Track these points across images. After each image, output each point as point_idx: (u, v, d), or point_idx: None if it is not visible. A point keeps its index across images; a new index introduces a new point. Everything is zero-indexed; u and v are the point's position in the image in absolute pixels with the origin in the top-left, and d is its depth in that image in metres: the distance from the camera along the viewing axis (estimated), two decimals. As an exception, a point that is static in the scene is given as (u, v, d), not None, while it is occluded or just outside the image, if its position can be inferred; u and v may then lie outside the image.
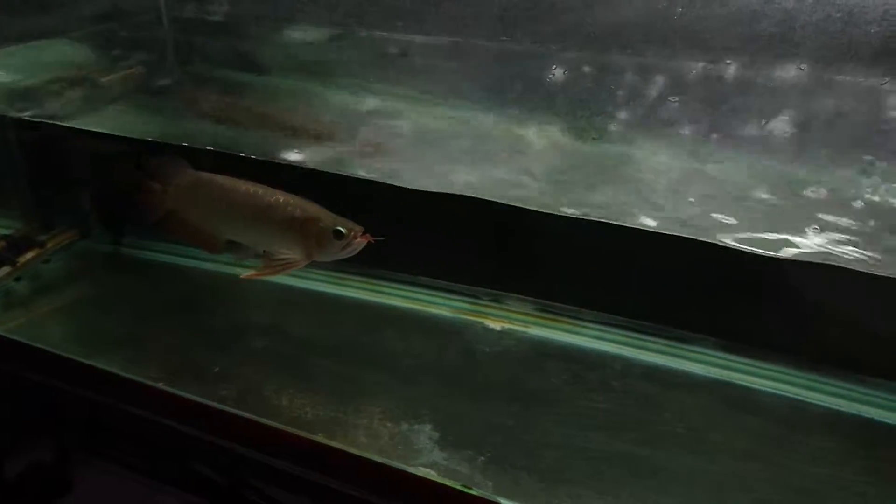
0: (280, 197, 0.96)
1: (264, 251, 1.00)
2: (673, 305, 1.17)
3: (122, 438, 1.63)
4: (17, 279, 1.25)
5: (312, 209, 0.95)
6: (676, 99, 0.84)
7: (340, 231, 0.92)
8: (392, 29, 1.25)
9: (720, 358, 1.14)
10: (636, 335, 1.17)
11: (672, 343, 1.16)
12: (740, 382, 1.09)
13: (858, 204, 0.85)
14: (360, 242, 0.93)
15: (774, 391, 1.07)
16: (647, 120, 0.88)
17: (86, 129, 1.13)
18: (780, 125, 0.82)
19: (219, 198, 0.99)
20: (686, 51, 0.78)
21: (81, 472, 2.18)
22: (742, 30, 0.73)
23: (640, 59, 0.81)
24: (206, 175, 1.01)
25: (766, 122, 0.82)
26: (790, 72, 0.76)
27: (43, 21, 1.38)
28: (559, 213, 0.91)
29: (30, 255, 1.26)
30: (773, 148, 0.86)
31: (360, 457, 0.93)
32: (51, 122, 1.13)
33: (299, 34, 1.37)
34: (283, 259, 0.96)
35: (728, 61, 0.77)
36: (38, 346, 1.14)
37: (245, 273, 0.99)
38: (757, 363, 1.12)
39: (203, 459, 1.28)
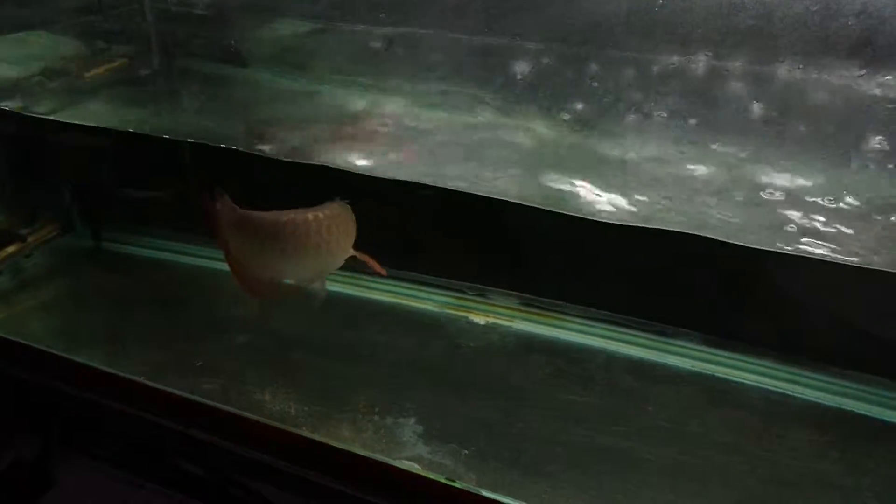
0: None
1: None
2: (656, 300, 1.17)
3: (105, 434, 1.62)
4: (-2, 273, 1.25)
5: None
6: (655, 91, 0.84)
7: None
8: (375, 22, 1.25)
9: (703, 352, 1.14)
10: (620, 329, 1.18)
11: (655, 337, 1.17)
12: (723, 376, 1.10)
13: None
14: None
15: (756, 384, 1.08)
16: (626, 111, 0.89)
17: (67, 121, 1.12)
18: (753, 116, 0.84)
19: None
20: (666, 43, 0.78)
21: (64, 469, 2.16)
22: (721, 23, 0.74)
23: (620, 52, 0.81)
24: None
25: (740, 113, 0.83)
26: (770, 65, 0.77)
27: (24, 13, 1.36)
28: (541, 207, 0.91)
29: (11, 249, 1.25)
30: (746, 138, 0.87)
31: (344, 450, 0.93)
32: (32, 114, 1.11)
33: (282, 27, 1.36)
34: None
35: (707, 53, 0.78)
36: (19, 340, 1.13)
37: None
38: (739, 357, 1.13)
39: (186, 454, 1.28)
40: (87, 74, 1.30)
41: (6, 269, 1.25)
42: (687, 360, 1.13)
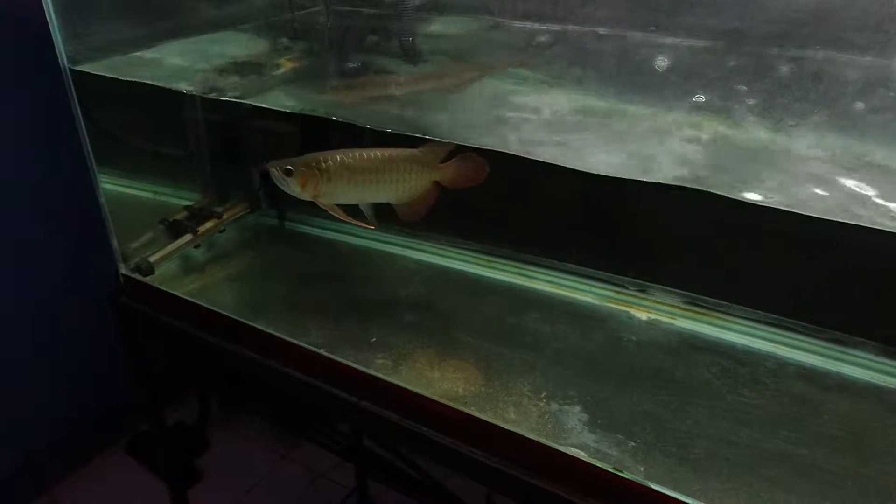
0: None
1: None
2: (831, 306, 1.13)
3: (273, 400, 1.75)
4: (197, 246, 1.38)
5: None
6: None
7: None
8: (543, 19, 1.27)
9: (882, 364, 1.09)
10: (790, 334, 1.14)
11: (829, 345, 1.12)
12: (905, 390, 1.04)
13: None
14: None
15: (945, 402, 1.01)
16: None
17: (264, 106, 1.23)
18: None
19: None
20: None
21: (219, 435, 2.37)
22: None
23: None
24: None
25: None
26: None
27: (221, 13, 1.50)
28: (707, 190, 0.88)
29: (208, 224, 1.38)
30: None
31: (510, 432, 0.97)
32: (237, 100, 1.23)
33: (452, 25, 1.41)
34: None
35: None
36: (213, 308, 1.25)
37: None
38: (925, 372, 1.06)
39: (355, 424, 1.37)
40: (274, 71, 1.41)
41: (203, 242, 1.39)
42: (864, 370, 1.08)
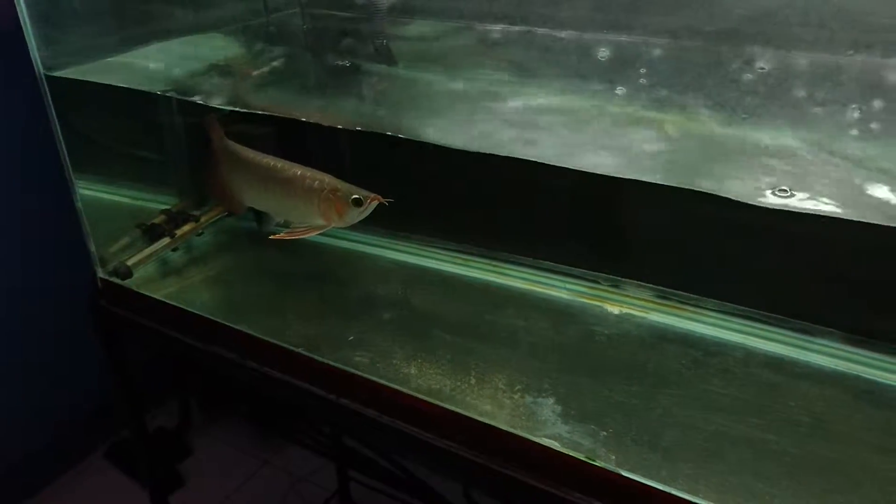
0: (298, 170, 1.15)
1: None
2: (796, 297, 1.16)
3: (254, 400, 1.76)
4: (174, 249, 1.39)
5: (330, 180, 1.12)
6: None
7: (359, 199, 1.09)
8: (512, 22, 1.29)
9: (846, 352, 1.11)
10: (758, 325, 1.17)
11: (795, 335, 1.15)
12: (868, 377, 1.07)
13: None
14: (373, 204, 1.09)
15: (906, 387, 1.05)
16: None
17: (238, 109, 1.24)
18: None
19: (246, 169, 1.23)
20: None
21: (200, 440, 2.37)
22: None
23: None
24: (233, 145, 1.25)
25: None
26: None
27: (199, 17, 1.52)
28: (675, 186, 0.90)
29: (186, 228, 1.39)
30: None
31: (486, 424, 0.99)
32: (225, 107, 1.24)
33: (424, 29, 1.44)
34: (306, 225, 1.17)
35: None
36: (189, 309, 1.26)
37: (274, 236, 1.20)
38: (886, 358, 1.09)
39: (333, 422, 1.38)
40: (253, 73, 1.43)
41: (181, 246, 1.40)
42: (830, 358, 1.11)
